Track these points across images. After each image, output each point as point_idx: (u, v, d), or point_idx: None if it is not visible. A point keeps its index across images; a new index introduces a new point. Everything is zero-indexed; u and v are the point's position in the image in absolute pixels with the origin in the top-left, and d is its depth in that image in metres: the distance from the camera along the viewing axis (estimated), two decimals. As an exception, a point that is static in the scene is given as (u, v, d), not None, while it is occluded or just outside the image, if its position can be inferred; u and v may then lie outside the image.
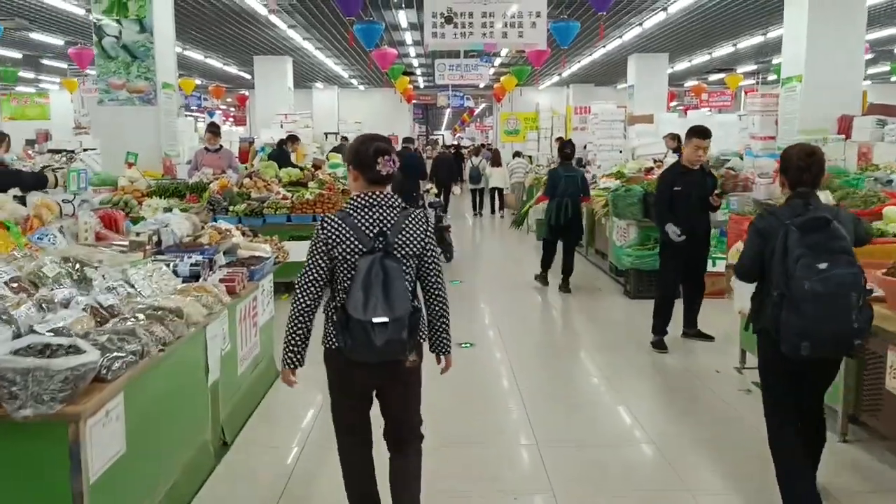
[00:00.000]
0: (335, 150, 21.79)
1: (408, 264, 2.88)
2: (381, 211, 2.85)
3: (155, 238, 4.57)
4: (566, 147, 9.66)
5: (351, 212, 2.87)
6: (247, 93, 24.92)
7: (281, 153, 11.51)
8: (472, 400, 5.19)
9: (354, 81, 25.02)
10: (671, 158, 11.66)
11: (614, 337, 6.92)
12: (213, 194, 8.39)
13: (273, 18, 13.28)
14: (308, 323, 2.91)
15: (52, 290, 3.32)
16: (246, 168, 11.03)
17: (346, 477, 3.13)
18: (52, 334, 2.73)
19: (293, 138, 11.81)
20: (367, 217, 2.84)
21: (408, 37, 15.71)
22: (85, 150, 10.91)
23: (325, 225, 2.86)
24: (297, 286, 2.90)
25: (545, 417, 4.83)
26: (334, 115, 26.43)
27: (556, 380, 5.70)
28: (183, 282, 4.07)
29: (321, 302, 2.92)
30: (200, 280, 4.13)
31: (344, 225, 2.83)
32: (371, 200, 2.87)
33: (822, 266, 2.95)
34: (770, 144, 10.95)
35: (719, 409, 4.98)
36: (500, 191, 18.54)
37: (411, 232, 2.88)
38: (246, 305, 4.74)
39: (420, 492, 3.11)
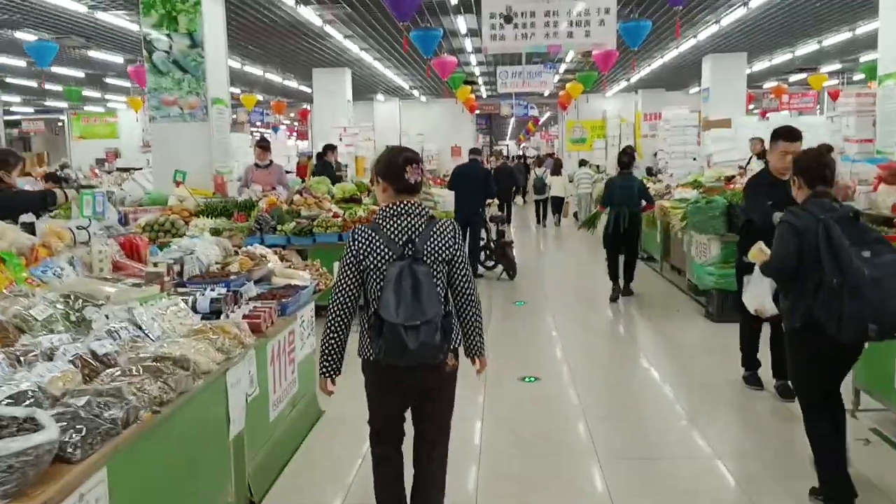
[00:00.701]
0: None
1: (438, 269, 2.95)
2: (408, 219, 2.95)
3: (177, 267, 4.08)
4: (623, 155, 9.27)
5: (380, 222, 2.97)
6: (308, 107, 24.81)
7: (324, 166, 11.04)
8: (534, 447, 4.52)
9: (416, 92, 24.62)
10: (758, 165, 10.76)
11: (699, 370, 6.12)
12: (262, 213, 7.97)
13: (329, 29, 12.91)
14: (343, 333, 3.01)
15: (39, 336, 2.84)
16: (302, 184, 10.65)
17: (377, 485, 3.18)
18: (9, 402, 2.21)
19: (331, 147, 11.33)
20: (395, 225, 2.94)
21: (468, 44, 15.15)
22: (129, 169, 10.67)
23: (356, 237, 2.97)
24: (331, 297, 3.00)
25: (621, 474, 4.12)
26: (396, 127, 26.14)
27: (635, 427, 4.94)
28: (203, 319, 3.56)
29: (355, 313, 3.02)
30: (222, 317, 3.60)
31: (374, 235, 2.94)
32: (399, 209, 2.96)
33: (866, 255, 3.16)
34: (867, 148, 9.93)
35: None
36: (560, 200, 18.36)
37: (440, 239, 2.96)
38: (280, 342, 4.20)
39: (443, 500, 3.18)
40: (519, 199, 20.46)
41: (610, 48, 8.67)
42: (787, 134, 5.00)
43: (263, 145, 9.06)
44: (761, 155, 11.10)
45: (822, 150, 3.65)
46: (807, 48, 16.54)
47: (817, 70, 20.67)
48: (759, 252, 3.71)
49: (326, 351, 3.02)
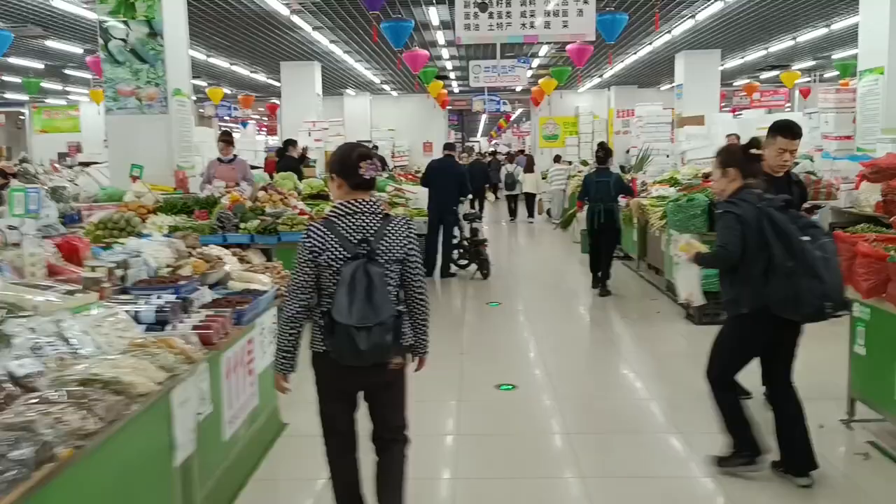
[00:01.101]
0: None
1: (391, 269, 2.94)
2: (363, 217, 2.93)
3: (120, 272, 3.68)
4: (599, 150, 9.28)
5: (334, 219, 2.93)
6: (277, 101, 24.26)
7: (289, 162, 10.59)
8: (511, 465, 4.20)
9: (387, 87, 24.20)
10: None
11: (684, 377, 5.83)
12: (224, 210, 7.56)
13: (296, 20, 12.48)
14: (298, 328, 2.99)
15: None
16: (273, 180, 10.21)
17: (333, 479, 3.17)
18: None
19: (292, 142, 10.88)
20: (350, 224, 2.91)
21: (440, 37, 14.80)
22: (91, 163, 10.17)
23: (311, 233, 2.93)
24: (286, 293, 2.99)
25: (607, 493, 3.82)
26: (367, 123, 25.69)
27: (619, 442, 4.66)
28: (147, 331, 3.18)
29: (310, 307, 2.98)
30: (168, 328, 3.23)
31: (328, 232, 2.91)
32: (354, 208, 2.93)
33: (807, 239, 3.36)
34: (847, 145, 9.79)
35: (830, 478, 3.88)
36: (532, 196, 19.08)
37: (394, 238, 2.95)
38: (236, 353, 3.83)
39: (405, 494, 3.13)
40: (491, 196, 20.60)
41: (589, 39, 8.38)
42: (787, 130, 4.59)
43: (226, 139, 8.62)
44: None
45: (754, 143, 3.71)
46: (781, 45, 16.46)
47: (790, 67, 20.67)
48: (687, 245, 3.83)
49: (282, 348, 3.00)
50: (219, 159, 8.61)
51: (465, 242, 10.59)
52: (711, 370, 3.86)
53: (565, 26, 7.65)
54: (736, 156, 3.69)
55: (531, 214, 19.11)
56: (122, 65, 9.03)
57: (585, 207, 9.04)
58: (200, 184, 8.68)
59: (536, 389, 5.53)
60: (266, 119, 32.55)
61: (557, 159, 18.77)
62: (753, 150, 3.68)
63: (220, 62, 17.21)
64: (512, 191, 19.32)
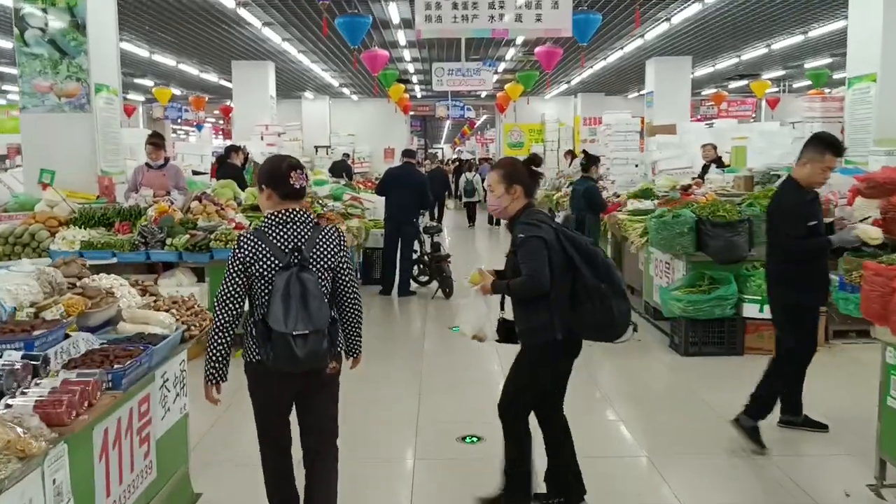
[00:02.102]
0: (334, 167, 20.00)
1: (324, 277, 2.99)
2: (294, 227, 2.95)
3: (-43, 316, 2.74)
4: (582, 158, 9.26)
5: (265, 229, 2.95)
6: (231, 103, 23.16)
7: (231, 170, 9.59)
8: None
9: (346, 91, 23.26)
10: (717, 173, 9.90)
11: (679, 423, 5.03)
12: (149, 223, 6.59)
13: (244, 14, 11.52)
14: (228, 338, 2.95)
15: None
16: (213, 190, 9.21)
17: (269, 485, 3.19)
18: None
19: (235, 148, 9.88)
20: (281, 234, 2.94)
21: (401, 36, 13.95)
22: None
23: (242, 244, 2.94)
24: (216, 302, 2.93)
25: None
26: (325, 127, 24.71)
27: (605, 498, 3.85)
28: (-26, 404, 2.26)
29: (240, 317, 2.97)
30: (3, 401, 2.30)
31: (260, 243, 2.92)
32: (285, 217, 2.96)
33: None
34: (833, 157, 9.16)
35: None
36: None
37: (325, 246, 2.99)
38: (120, 420, 2.92)
39: (337, 500, 3.19)
40: (450, 203, 21.06)
41: (565, 35, 7.61)
42: (837, 147, 4.21)
43: (155, 141, 7.62)
44: (716, 161, 10.27)
45: (535, 160, 3.55)
46: (754, 52, 15.96)
47: (759, 77, 20.28)
48: (479, 275, 3.47)
49: (213, 357, 2.95)
50: (147, 164, 7.62)
51: (426, 258, 9.75)
52: (509, 405, 3.54)
53: (539, 20, 6.86)
54: (522, 173, 3.41)
55: (495, 221, 19.38)
56: (40, 57, 8.02)
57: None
58: (125, 192, 7.69)
59: (506, 441, 4.69)
60: (222, 122, 31.32)
61: (525, 167, 18.02)
62: (535, 168, 3.47)
63: (166, 60, 16.10)
64: (471, 198, 19.89)
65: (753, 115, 25.00)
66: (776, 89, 22.88)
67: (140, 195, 7.27)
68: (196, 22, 12.50)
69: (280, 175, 2.94)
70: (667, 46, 15.17)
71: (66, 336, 2.95)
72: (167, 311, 3.49)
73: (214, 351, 2.94)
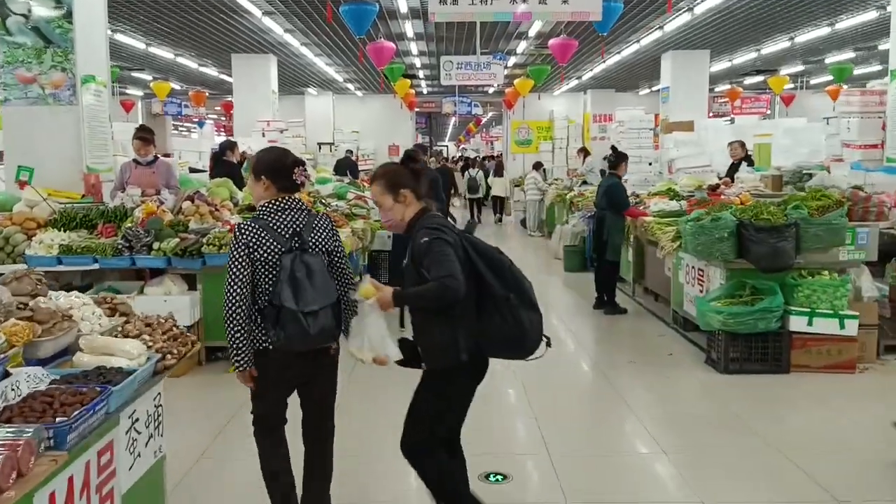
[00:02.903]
0: (338, 165, 19.42)
1: (323, 260, 3.08)
2: (292, 214, 3.06)
3: None
4: (610, 155, 8.74)
5: (264, 217, 3.04)
6: (232, 99, 22.57)
7: (227, 168, 9.00)
8: None
9: (351, 86, 22.63)
10: (747, 171, 9.29)
11: (730, 458, 4.42)
12: (135, 225, 6.00)
13: (243, 2, 10.92)
14: (246, 321, 2.97)
15: None
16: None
17: (270, 470, 3.18)
18: None
19: (231, 145, 9.25)
20: (280, 220, 3.04)
21: (408, 28, 13.33)
22: None
23: (243, 230, 3.01)
24: (227, 292, 2.95)
25: None
26: (329, 123, 24.12)
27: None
28: None
29: (249, 302, 2.99)
30: None
31: (260, 229, 3.00)
32: (283, 205, 3.07)
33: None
34: (873, 154, 8.56)
35: None
36: (502, 199, 20.48)
37: (321, 231, 3.12)
38: (74, 476, 2.33)
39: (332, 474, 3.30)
40: (456, 201, 20.95)
41: (594, 19, 6.98)
42: None
43: (144, 136, 7.01)
44: (747, 160, 9.66)
45: (415, 156, 3.44)
46: (775, 46, 15.31)
47: (777, 72, 19.62)
48: (373, 287, 2.91)
49: (237, 346, 2.96)
50: (135, 161, 7.03)
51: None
52: (415, 443, 3.11)
53: (565, 2, 6.24)
54: (404, 175, 3.08)
55: (501, 214, 20.50)
56: (23, 46, 7.45)
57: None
58: (111, 191, 7.11)
59: (535, 479, 4.10)
60: (224, 119, 30.72)
61: (537, 167, 17.43)
62: (415, 166, 3.15)
63: (163, 52, 15.51)
64: (475, 194, 20.56)
65: (768, 112, 24.36)
66: (792, 86, 22.19)
67: (127, 194, 6.68)
68: (194, 11, 11.92)
69: (283, 169, 3.04)
70: (685, 39, 14.54)
71: (6, 374, 2.37)
72: (138, 336, 2.90)
73: (237, 340, 2.94)
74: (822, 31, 13.20)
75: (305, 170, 3.10)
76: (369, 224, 8.95)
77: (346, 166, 19.01)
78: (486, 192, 21.28)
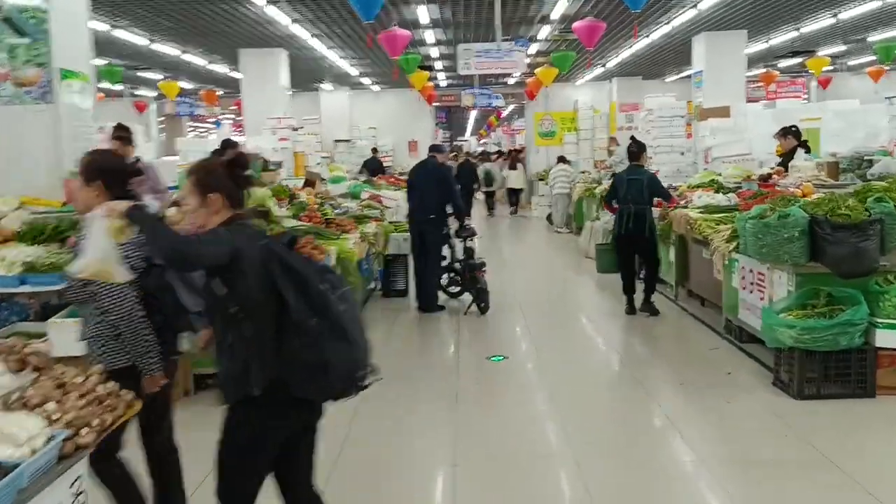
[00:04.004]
0: (366, 165, 18.75)
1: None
2: None
3: None
4: (631, 145, 8.19)
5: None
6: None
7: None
8: None
9: (367, 80, 21.85)
10: (804, 159, 8.34)
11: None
12: (110, 237, 5.23)
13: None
14: None
15: None
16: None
17: None
18: None
19: (230, 144, 8.43)
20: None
21: (423, 14, 12.49)
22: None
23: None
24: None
25: None
26: (345, 120, 23.38)
27: None
28: None
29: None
30: None
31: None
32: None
33: (326, 287, 2.54)
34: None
35: None
36: (518, 191, 20.91)
37: None
38: None
39: None
40: (479, 195, 21.00)
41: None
42: None
43: (122, 135, 6.22)
44: (804, 146, 8.69)
45: (240, 159, 2.75)
46: (816, 24, 14.24)
47: (815, 53, 18.50)
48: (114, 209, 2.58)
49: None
50: (115, 164, 6.27)
51: (458, 265, 8.33)
52: (227, 494, 2.62)
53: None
54: (220, 176, 2.64)
55: (515, 209, 20.69)
56: (-6, 40, 6.74)
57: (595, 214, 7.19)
58: (91, 198, 6.36)
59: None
60: (241, 118, 30.12)
61: (562, 160, 16.52)
62: (241, 170, 2.70)
63: (168, 49, 14.82)
64: (489, 187, 20.84)
65: (805, 97, 23.21)
66: (830, 68, 21.02)
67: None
68: (195, 3, 11.18)
69: (122, 174, 2.93)
70: (720, 19, 13.55)
71: None
72: (40, 405, 2.10)
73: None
74: (873, 3, 12.13)
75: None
76: (382, 227, 8.16)
77: (373, 166, 18.41)
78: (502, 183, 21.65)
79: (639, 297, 7.68)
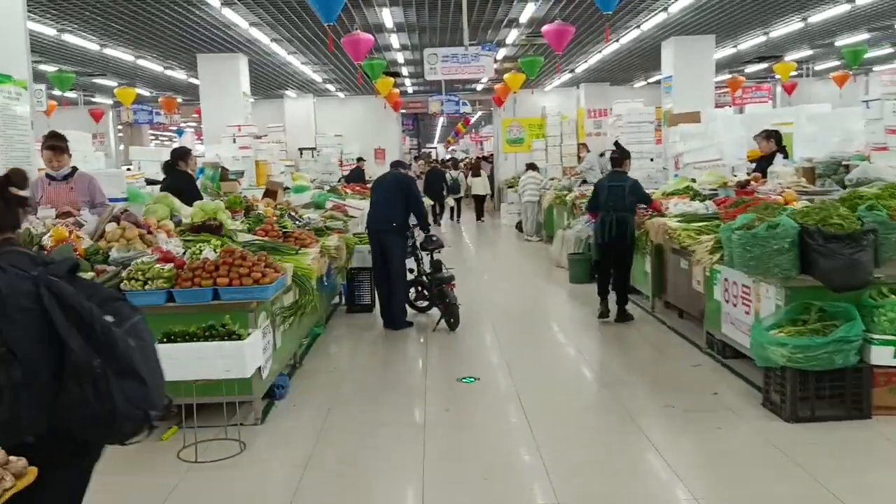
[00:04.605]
0: (352, 175, 18.43)
1: None
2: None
3: None
4: (614, 151, 8.03)
5: None
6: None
7: (181, 179, 7.72)
8: None
9: (332, 87, 21.37)
10: (781, 164, 8.09)
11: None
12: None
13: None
14: None
15: None
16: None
17: None
18: None
19: (182, 154, 7.90)
20: None
21: (387, 17, 12.09)
22: None
23: None
24: None
25: None
26: (310, 128, 22.85)
27: None
28: None
29: None
30: None
31: None
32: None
33: (111, 319, 2.18)
34: (929, 141, 7.36)
35: None
36: (482, 198, 21.29)
37: None
38: None
39: None
40: (450, 200, 21.32)
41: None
42: None
43: (55, 143, 5.68)
44: (782, 152, 8.45)
45: (15, 177, 2.32)
46: (786, 28, 14.13)
47: (782, 58, 18.47)
48: None
49: None
50: (48, 176, 5.76)
51: (425, 278, 7.93)
52: None
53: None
54: None
55: (480, 216, 20.94)
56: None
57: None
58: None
59: None
60: (200, 126, 29.38)
61: (531, 167, 16.22)
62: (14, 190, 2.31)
63: (122, 54, 14.21)
64: (456, 194, 21.40)
65: (770, 101, 23.25)
66: (795, 73, 21.06)
67: (40, 218, 5.41)
68: (148, 6, 10.65)
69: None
70: (689, 23, 13.36)
71: None
72: None
73: None
74: (842, 7, 12.01)
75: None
76: (345, 239, 7.72)
77: (356, 177, 18.20)
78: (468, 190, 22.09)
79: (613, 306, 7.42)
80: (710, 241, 5.76)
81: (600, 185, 7.80)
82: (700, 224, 6.45)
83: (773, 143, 8.24)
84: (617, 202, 7.36)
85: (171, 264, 4.71)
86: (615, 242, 7.39)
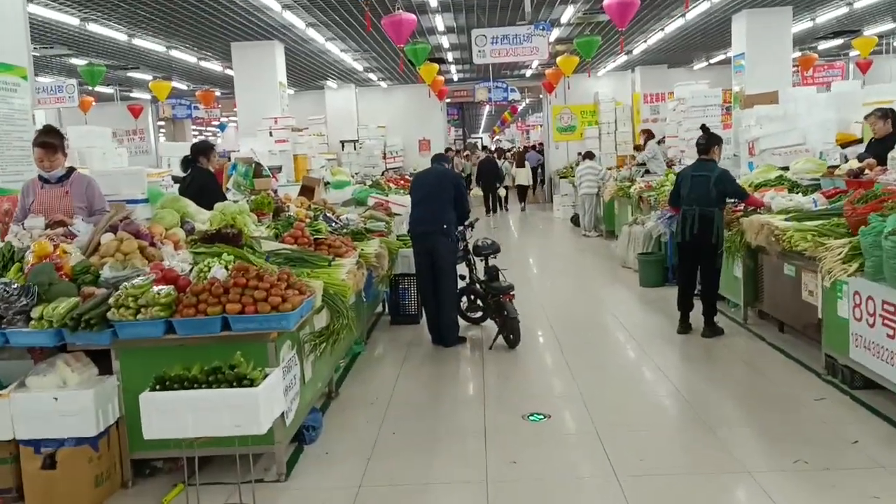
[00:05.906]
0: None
1: None
2: None
3: None
4: (700, 137, 6.84)
5: None
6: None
7: (202, 177, 6.85)
8: None
9: (373, 76, 20.44)
10: None
11: None
12: (14, 277, 3.89)
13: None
14: None
15: None
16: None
17: None
18: None
19: (203, 150, 6.98)
20: None
21: (432, -3, 11.09)
22: None
23: None
24: None
25: None
26: (353, 119, 22.00)
27: None
28: None
29: None
30: None
31: None
32: None
33: None
34: None
35: None
36: (525, 188, 21.89)
37: None
38: None
39: None
40: (501, 191, 21.30)
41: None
42: None
43: (48, 141, 4.79)
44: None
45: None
46: (873, -4, 12.68)
47: (860, 33, 16.90)
48: None
49: None
50: (40, 178, 4.90)
51: (478, 286, 6.93)
52: None
53: None
54: None
55: (523, 205, 21.56)
56: None
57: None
58: (12, 222, 4.98)
59: None
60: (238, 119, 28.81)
61: (588, 156, 15.04)
62: None
63: (152, 45, 13.48)
64: (502, 183, 21.31)
65: (841, 81, 21.59)
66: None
67: (28, 227, 4.56)
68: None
69: None
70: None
71: None
72: None
73: None
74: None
75: None
76: (387, 244, 6.75)
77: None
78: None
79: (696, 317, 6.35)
80: (845, 247, 4.61)
81: (682, 175, 6.80)
82: (815, 223, 5.30)
83: (891, 125, 6.99)
84: (700, 195, 6.36)
85: (171, 286, 3.80)
86: (697, 242, 6.37)
